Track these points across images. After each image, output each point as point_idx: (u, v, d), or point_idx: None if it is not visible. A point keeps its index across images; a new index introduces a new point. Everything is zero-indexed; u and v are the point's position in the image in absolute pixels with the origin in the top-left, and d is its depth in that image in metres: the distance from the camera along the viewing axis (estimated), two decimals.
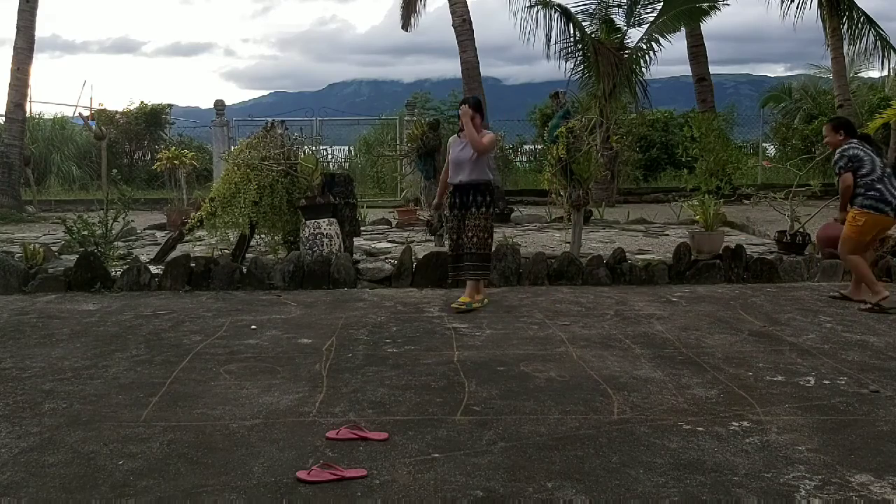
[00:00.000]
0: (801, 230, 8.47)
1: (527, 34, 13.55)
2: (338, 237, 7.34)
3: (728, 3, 14.70)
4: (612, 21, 14.81)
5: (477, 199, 6.02)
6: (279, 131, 7.93)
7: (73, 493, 2.83)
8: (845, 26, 15.42)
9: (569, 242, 8.50)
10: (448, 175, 6.22)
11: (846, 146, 6.13)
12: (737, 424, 3.50)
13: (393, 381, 4.14)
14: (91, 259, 6.86)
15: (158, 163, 12.46)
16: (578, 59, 13.78)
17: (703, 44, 16.17)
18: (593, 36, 14.11)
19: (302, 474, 2.95)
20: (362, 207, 11.09)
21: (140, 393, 3.96)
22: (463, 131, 6.09)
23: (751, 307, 6.06)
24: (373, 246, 8.88)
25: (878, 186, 5.96)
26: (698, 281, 7.09)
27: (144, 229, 10.87)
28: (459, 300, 5.97)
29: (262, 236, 8.23)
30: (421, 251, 7.74)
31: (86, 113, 15.11)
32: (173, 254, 7.85)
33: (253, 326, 5.40)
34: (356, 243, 8.42)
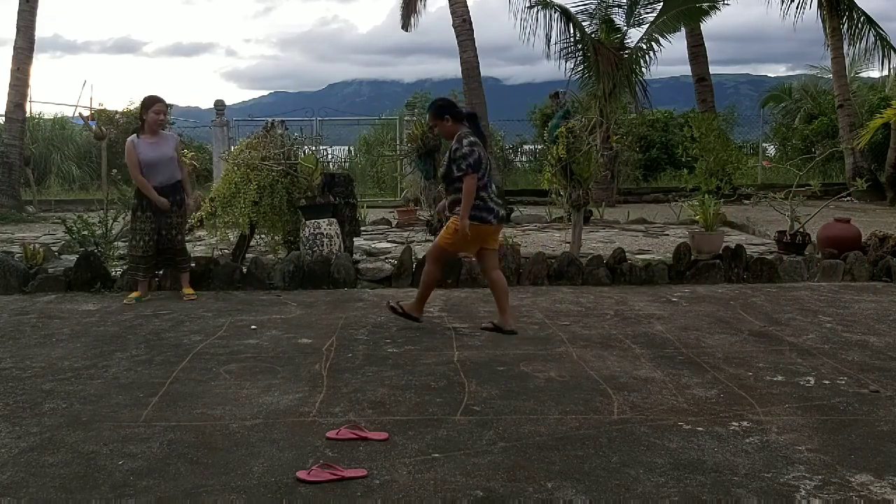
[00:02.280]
0: (801, 230, 8.47)
1: (527, 34, 13.57)
2: (338, 237, 7.34)
3: (728, 2, 14.72)
4: (612, 21, 14.82)
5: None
6: (279, 131, 7.93)
7: (73, 493, 2.83)
8: (845, 26, 15.45)
9: (569, 242, 8.50)
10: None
11: (471, 139, 5.01)
12: (737, 424, 3.50)
13: (393, 381, 4.14)
14: (91, 259, 6.86)
15: None
16: (578, 59, 13.78)
17: (703, 44, 16.18)
18: (593, 36, 14.11)
19: (302, 474, 2.95)
20: (362, 207, 11.09)
21: (140, 393, 3.96)
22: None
23: (751, 307, 6.06)
24: (373, 246, 8.88)
25: (482, 195, 5.03)
26: (698, 281, 7.09)
27: None
28: (188, 292, 6.49)
29: (262, 236, 8.23)
30: (421, 251, 7.74)
31: (86, 113, 15.10)
32: None
33: (253, 326, 5.40)
34: (356, 243, 8.42)
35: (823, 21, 15.73)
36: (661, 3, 14.25)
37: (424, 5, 18.03)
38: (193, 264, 6.75)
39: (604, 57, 13.44)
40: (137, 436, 3.38)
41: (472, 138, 5.03)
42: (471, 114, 5.35)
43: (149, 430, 3.45)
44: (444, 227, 5.22)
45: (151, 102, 6.43)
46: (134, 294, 6.37)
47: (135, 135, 6.45)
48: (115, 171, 10.34)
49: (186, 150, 13.54)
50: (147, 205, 6.35)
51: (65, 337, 5.15)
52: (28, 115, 14.88)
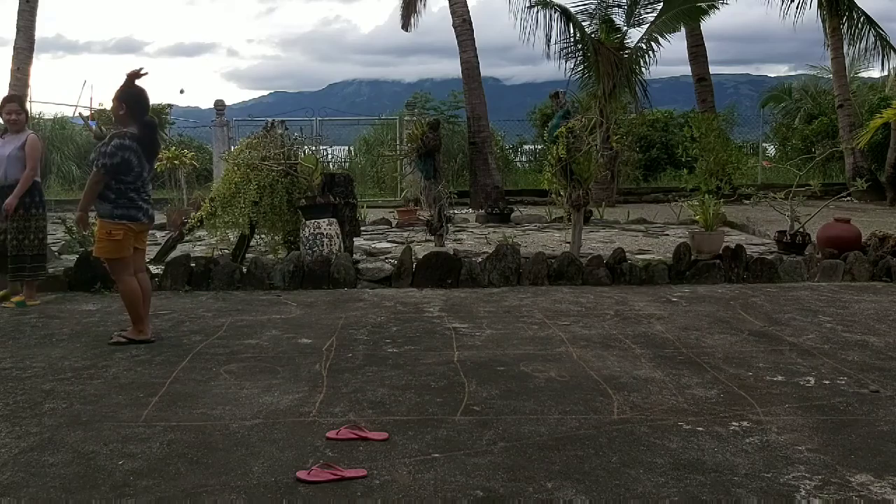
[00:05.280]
0: (801, 230, 8.47)
1: (527, 34, 13.54)
2: (338, 237, 7.34)
3: (728, 2, 14.72)
4: (612, 21, 14.79)
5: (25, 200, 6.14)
6: (279, 131, 7.93)
7: (73, 493, 2.83)
8: (845, 26, 15.45)
9: (569, 242, 8.50)
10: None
11: (123, 142, 4.88)
12: (737, 424, 3.50)
13: (393, 381, 4.14)
14: (91, 259, 6.84)
15: (158, 163, 12.45)
16: (578, 59, 13.77)
17: (703, 44, 16.18)
18: (593, 36, 14.10)
19: (302, 474, 2.95)
20: (362, 207, 11.10)
21: (140, 393, 3.96)
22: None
23: (751, 307, 6.06)
24: (373, 246, 8.88)
25: (132, 195, 4.96)
26: (698, 281, 7.09)
27: None
28: (14, 300, 6.16)
29: (262, 236, 8.23)
30: (421, 251, 7.74)
31: (86, 113, 15.10)
32: (173, 254, 7.86)
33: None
34: (356, 243, 8.42)
35: (823, 21, 15.73)
36: (661, 3, 14.25)
37: (425, 5, 18.07)
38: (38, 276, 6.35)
39: (604, 57, 13.43)
40: (137, 436, 3.38)
41: (125, 141, 4.86)
42: (149, 122, 5.13)
43: (149, 430, 3.45)
44: (96, 239, 5.02)
45: (4, 103, 6.35)
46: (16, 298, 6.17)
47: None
48: None
49: (186, 151, 13.56)
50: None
51: (65, 337, 5.15)
52: (28, 114, 14.88)
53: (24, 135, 6.24)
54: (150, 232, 10.71)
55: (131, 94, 5.04)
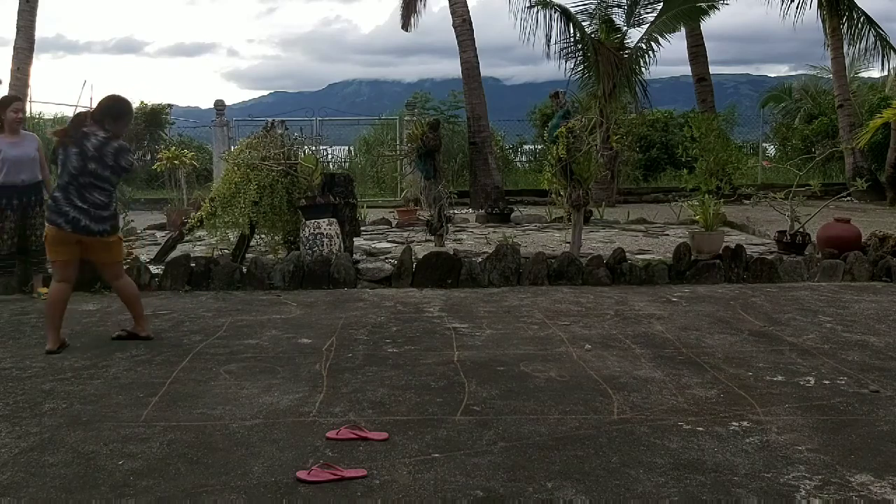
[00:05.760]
0: (801, 230, 8.47)
1: (527, 34, 13.54)
2: (338, 237, 7.34)
3: (728, 2, 14.72)
4: (612, 21, 14.80)
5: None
6: (279, 131, 7.93)
7: (73, 493, 2.83)
8: (845, 26, 15.45)
9: (569, 242, 8.50)
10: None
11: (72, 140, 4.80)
12: (737, 424, 3.50)
13: (393, 381, 4.14)
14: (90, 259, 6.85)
15: (158, 163, 12.46)
16: (578, 59, 13.77)
17: (703, 44, 16.19)
18: (593, 36, 14.10)
19: (302, 474, 2.96)
20: (362, 207, 11.09)
21: (140, 393, 3.96)
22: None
23: (751, 307, 6.06)
24: (373, 246, 8.88)
25: (57, 195, 4.79)
26: (698, 281, 7.09)
27: (144, 229, 10.86)
28: (44, 291, 6.25)
29: (262, 236, 8.23)
30: (421, 251, 7.74)
31: None
32: (173, 254, 7.85)
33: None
34: (356, 243, 8.42)
35: (823, 21, 15.73)
36: (661, 3, 14.25)
37: (425, 5, 18.07)
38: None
39: (604, 57, 13.43)
40: (137, 436, 3.38)
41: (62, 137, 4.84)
42: (83, 129, 4.82)
43: (149, 430, 3.45)
44: None
45: (9, 101, 6.47)
46: None
47: None
48: None
49: (186, 151, 13.56)
50: (7, 204, 6.32)
51: (65, 337, 5.13)
52: (28, 115, 14.88)
53: (32, 136, 6.57)
54: (150, 232, 10.79)
55: (103, 99, 4.97)
